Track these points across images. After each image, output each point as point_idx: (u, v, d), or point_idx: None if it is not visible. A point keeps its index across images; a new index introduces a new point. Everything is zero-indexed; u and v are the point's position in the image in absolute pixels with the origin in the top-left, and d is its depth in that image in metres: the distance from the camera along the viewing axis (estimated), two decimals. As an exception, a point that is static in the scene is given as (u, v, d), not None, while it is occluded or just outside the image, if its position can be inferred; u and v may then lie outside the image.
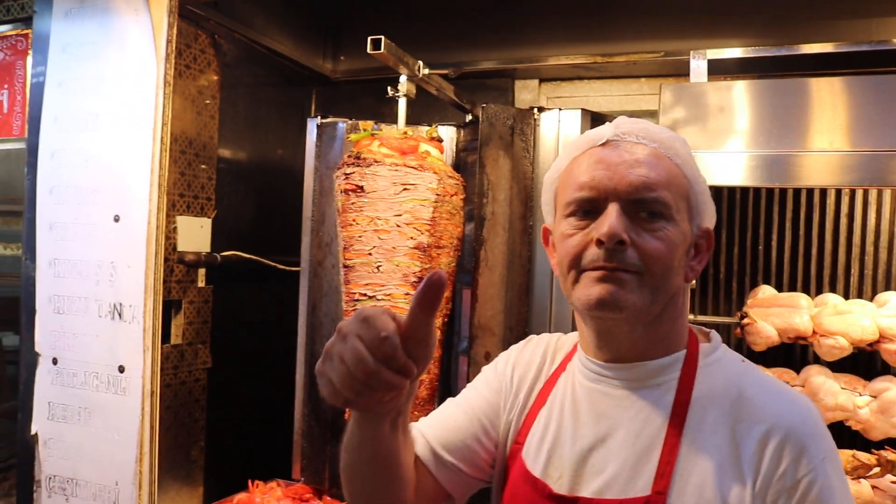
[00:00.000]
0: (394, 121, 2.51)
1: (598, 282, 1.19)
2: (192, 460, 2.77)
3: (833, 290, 2.65)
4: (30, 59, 2.86)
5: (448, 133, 2.72)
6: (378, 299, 2.23)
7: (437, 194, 2.26)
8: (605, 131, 1.29)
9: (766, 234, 2.71)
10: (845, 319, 2.45)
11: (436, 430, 1.44)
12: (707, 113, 2.44)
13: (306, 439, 2.69)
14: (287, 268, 2.93)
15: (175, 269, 2.68)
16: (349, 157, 2.33)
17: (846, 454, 2.36)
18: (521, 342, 1.56)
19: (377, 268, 2.23)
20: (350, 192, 2.26)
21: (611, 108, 3.19)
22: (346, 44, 3.46)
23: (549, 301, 2.48)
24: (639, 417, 1.24)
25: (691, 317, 2.67)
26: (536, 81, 3.31)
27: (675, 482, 1.16)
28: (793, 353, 2.67)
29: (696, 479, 1.16)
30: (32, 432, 2.66)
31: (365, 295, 2.26)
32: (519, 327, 2.46)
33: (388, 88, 2.44)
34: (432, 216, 2.25)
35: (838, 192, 2.66)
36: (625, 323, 1.23)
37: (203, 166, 2.81)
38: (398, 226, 2.23)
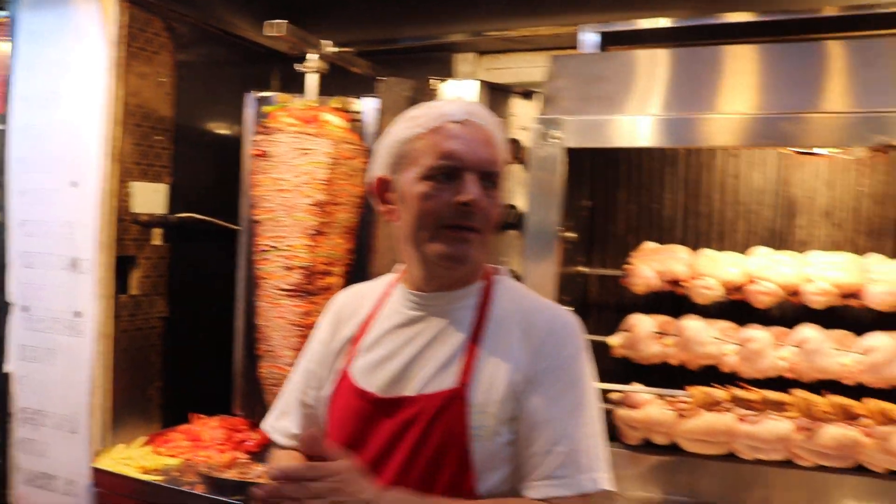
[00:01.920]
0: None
1: (455, 240, 1.51)
2: (149, 398, 3.14)
3: (721, 246, 2.86)
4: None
5: (372, 104, 2.98)
6: (280, 249, 2.56)
7: (333, 158, 2.56)
8: (457, 110, 1.56)
9: (659, 194, 2.93)
10: (717, 264, 2.67)
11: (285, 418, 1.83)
12: (600, 80, 2.66)
13: (244, 378, 3.04)
14: (237, 227, 3.25)
15: (130, 228, 3.03)
16: (259, 126, 2.65)
17: (701, 389, 2.59)
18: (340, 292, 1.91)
19: (280, 222, 2.55)
20: (258, 157, 2.58)
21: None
22: (306, 23, 3.74)
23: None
24: (448, 331, 1.58)
25: (588, 269, 2.91)
26: (475, 55, 3.54)
27: (475, 375, 1.52)
28: (681, 305, 2.85)
29: (491, 370, 1.52)
30: (7, 371, 3.07)
31: (271, 246, 2.59)
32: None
33: (294, 65, 2.74)
34: (328, 177, 2.56)
35: (726, 154, 2.85)
36: (460, 269, 1.57)
37: (158, 137, 3.15)
38: (297, 186, 2.55)
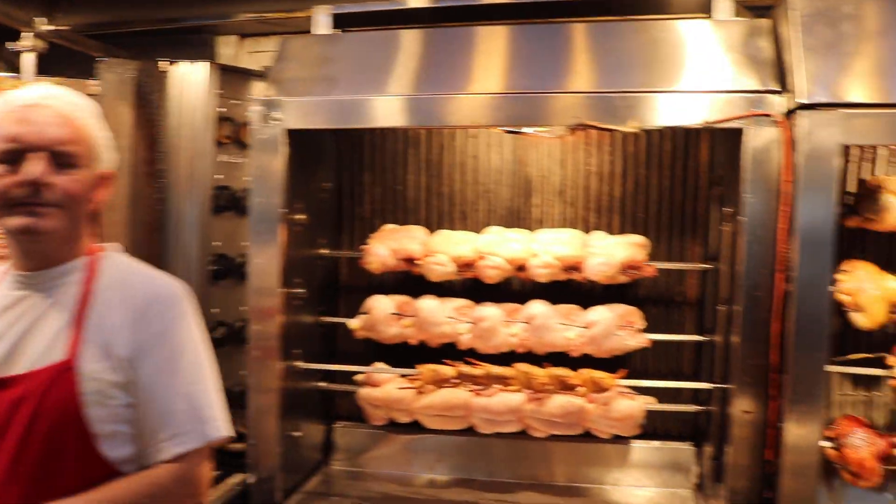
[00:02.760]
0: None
1: (25, 214, 1.54)
2: None
3: (464, 225, 2.91)
4: None
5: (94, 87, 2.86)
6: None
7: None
8: (28, 94, 1.60)
9: (403, 175, 2.95)
10: (450, 242, 2.71)
11: None
12: (329, 62, 2.64)
13: None
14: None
15: None
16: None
17: (430, 367, 2.63)
18: None
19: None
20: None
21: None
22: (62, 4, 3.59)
23: (181, 237, 2.70)
24: (54, 307, 1.61)
25: (328, 252, 2.91)
26: (237, 38, 3.48)
27: (83, 346, 1.56)
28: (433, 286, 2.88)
29: (99, 340, 1.57)
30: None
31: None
32: (150, 262, 2.66)
33: (7, 43, 2.62)
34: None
35: (465, 135, 2.90)
36: (44, 243, 1.60)
37: None
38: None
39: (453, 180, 2.93)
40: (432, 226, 2.92)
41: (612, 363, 2.72)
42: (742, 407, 2.33)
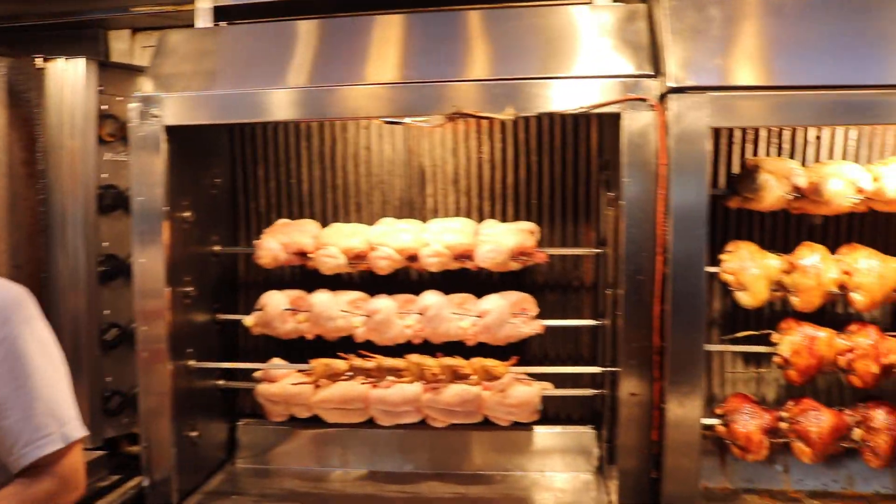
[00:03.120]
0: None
1: None
2: None
3: (359, 218, 2.89)
4: None
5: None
6: None
7: None
8: None
9: (297, 169, 2.92)
10: (342, 234, 2.69)
11: None
12: (209, 55, 2.59)
13: None
14: None
15: None
16: None
17: (322, 361, 2.61)
18: None
19: None
20: None
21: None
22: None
23: (66, 238, 2.64)
24: None
25: (220, 248, 2.85)
26: (129, 31, 3.40)
27: None
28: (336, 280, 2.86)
29: None
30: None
31: None
32: (30, 265, 2.60)
33: None
34: None
35: (358, 126, 2.87)
36: None
37: None
38: None
39: (347, 172, 2.90)
40: (328, 219, 2.90)
41: (512, 350, 2.73)
42: (629, 389, 2.36)
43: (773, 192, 2.47)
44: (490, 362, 2.56)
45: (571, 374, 2.76)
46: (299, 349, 2.84)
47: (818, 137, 2.72)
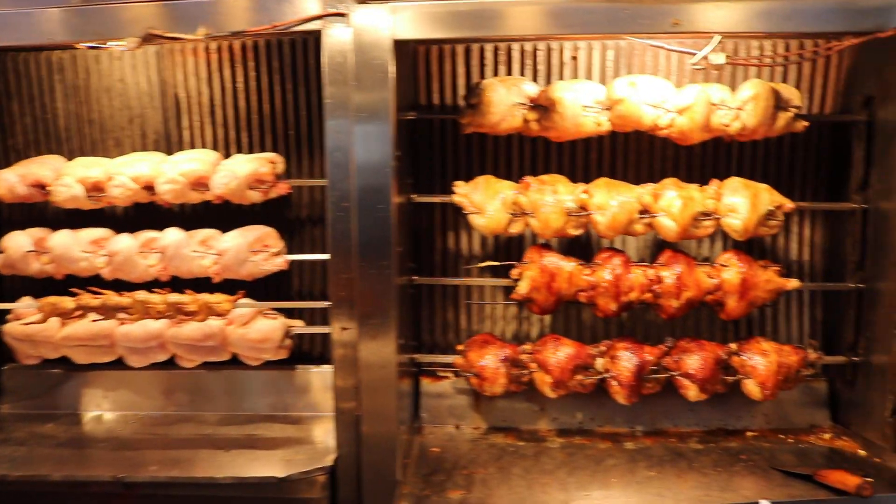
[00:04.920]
0: None
1: None
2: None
3: (121, 152, 2.74)
4: None
5: None
6: None
7: None
8: None
9: (51, 104, 2.80)
10: (80, 166, 2.59)
11: None
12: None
13: None
14: None
15: None
16: None
17: (49, 301, 2.51)
18: None
19: None
20: None
21: None
22: None
23: None
24: None
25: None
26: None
27: None
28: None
29: None
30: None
31: None
32: None
33: None
34: None
35: (111, 57, 2.74)
36: None
37: None
38: None
39: (102, 106, 2.78)
40: (85, 153, 2.77)
41: (272, 286, 2.63)
42: (341, 324, 2.25)
43: (501, 100, 2.33)
44: (214, 298, 2.46)
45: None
46: (58, 288, 2.74)
47: (574, 58, 2.56)
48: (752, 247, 2.65)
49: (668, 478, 2.25)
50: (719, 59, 2.06)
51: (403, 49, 2.22)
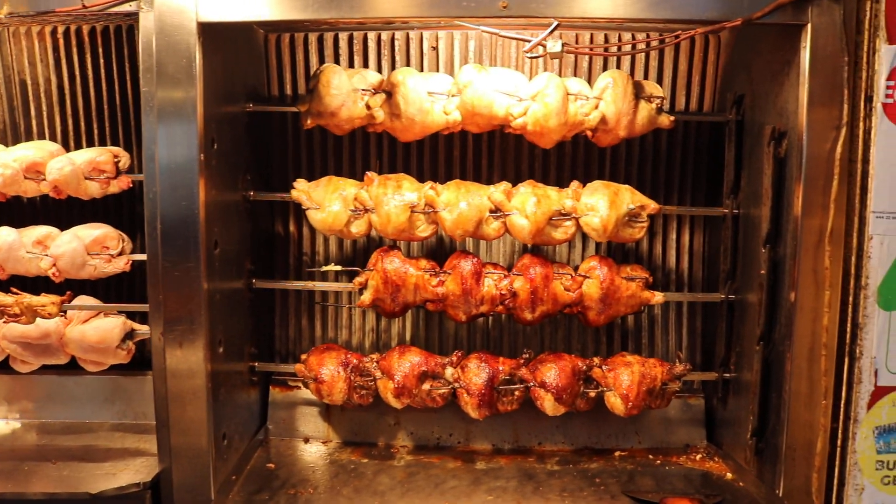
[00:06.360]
0: None
1: None
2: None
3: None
4: None
5: None
6: None
7: None
8: None
9: None
10: None
11: None
12: None
13: None
14: None
15: None
16: None
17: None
18: None
19: None
20: None
21: None
22: None
23: None
24: None
25: None
26: None
27: None
28: None
29: None
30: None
31: None
32: None
33: None
34: None
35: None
36: None
37: None
38: None
39: None
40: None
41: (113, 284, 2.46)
42: (158, 330, 2.08)
43: (341, 84, 2.17)
44: (38, 300, 2.29)
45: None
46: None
47: (434, 48, 2.40)
48: (628, 254, 2.49)
49: (505, 503, 2.07)
50: (556, 46, 1.88)
51: (223, 35, 2.05)
